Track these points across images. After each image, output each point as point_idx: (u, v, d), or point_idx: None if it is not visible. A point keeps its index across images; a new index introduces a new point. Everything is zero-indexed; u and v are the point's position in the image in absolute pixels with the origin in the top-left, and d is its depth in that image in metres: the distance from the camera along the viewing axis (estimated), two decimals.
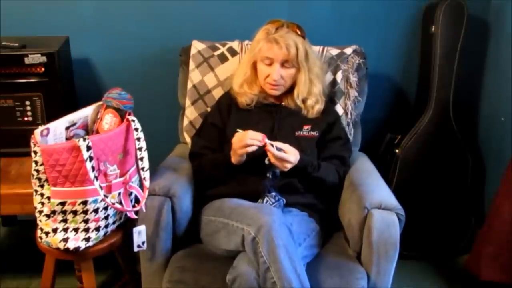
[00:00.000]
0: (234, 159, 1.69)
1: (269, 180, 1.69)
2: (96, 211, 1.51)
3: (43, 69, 1.85)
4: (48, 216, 1.49)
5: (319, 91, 1.83)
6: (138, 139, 1.57)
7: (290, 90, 1.83)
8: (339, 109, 1.99)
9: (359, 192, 1.68)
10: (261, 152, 1.65)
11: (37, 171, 1.47)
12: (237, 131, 1.68)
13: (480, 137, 2.35)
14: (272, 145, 1.63)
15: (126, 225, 1.66)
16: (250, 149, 1.63)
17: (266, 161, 1.67)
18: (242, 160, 1.68)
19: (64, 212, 1.48)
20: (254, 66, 1.83)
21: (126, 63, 2.23)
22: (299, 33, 1.78)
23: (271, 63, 1.76)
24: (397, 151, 2.22)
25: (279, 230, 1.45)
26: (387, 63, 2.30)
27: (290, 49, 1.73)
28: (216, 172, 1.76)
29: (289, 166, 1.65)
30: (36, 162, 1.46)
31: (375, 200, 1.61)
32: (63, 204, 1.47)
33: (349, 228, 1.68)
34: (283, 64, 1.76)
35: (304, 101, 1.82)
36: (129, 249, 1.60)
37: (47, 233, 1.51)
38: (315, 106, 1.83)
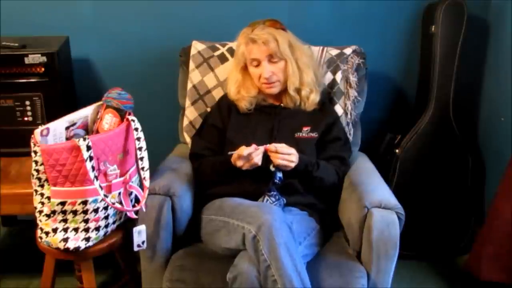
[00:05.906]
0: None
1: (276, 185, 1.68)
2: (96, 211, 1.51)
3: (43, 69, 1.85)
4: (48, 216, 1.49)
5: (311, 79, 1.82)
6: (138, 139, 1.57)
7: (287, 88, 1.83)
8: (339, 109, 1.99)
9: (359, 192, 1.68)
10: (264, 156, 1.65)
11: (37, 171, 1.47)
12: (230, 153, 1.66)
13: (480, 137, 2.35)
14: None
15: (126, 225, 1.66)
16: (259, 162, 1.62)
17: (272, 168, 1.66)
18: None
19: (64, 212, 1.48)
20: (243, 70, 1.83)
21: (126, 63, 2.23)
22: (277, 26, 1.77)
23: (259, 63, 1.77)
24: (397, 151, 2.22)
25: (279, 228, 1.45)
26: (387, 63, 2.30)
27: (269, 43, 1.73)
28: (218, 176, 1.77)
29: (293, 165, 1.65)
30: (36, 162, 1.46)
31: (375, 199, 1.61)
32: (63, 204, 1.47)
33: (349, 227, 1.68)
34: (270, 60, 1.76)
35: (298, 92, 1.82)
36: (129, 249, 1.60)
37: (47, 233, 1.51)
38: (310, 96, 1.82)
